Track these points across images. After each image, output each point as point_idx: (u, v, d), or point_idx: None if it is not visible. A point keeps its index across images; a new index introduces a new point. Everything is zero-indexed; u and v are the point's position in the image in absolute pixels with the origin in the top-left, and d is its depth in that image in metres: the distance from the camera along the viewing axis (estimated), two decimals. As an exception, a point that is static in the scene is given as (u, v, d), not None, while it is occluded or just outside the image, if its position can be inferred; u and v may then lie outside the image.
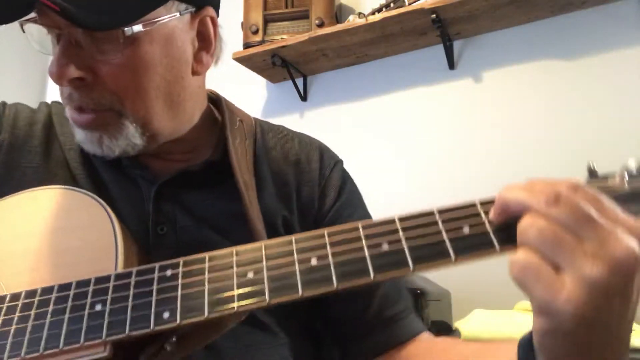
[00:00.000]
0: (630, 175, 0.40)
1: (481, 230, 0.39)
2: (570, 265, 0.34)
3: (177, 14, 0.60)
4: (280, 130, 0.80)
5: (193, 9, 0.62)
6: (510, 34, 1.76)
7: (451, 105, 1.81)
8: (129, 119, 0.59)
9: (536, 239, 0.35)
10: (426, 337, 0.69)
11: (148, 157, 0.68)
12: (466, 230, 0.40)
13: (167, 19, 0.58)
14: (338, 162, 0.79)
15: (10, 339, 0.44)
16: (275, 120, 0.87)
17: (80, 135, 0.61)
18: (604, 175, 0.41)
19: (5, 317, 0.46)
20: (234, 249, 0.44)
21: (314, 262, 0.41)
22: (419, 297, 1.21)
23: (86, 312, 0.44)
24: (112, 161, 0.66)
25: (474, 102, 1.77)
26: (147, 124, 0.61)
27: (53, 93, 2.64)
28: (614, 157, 0.47)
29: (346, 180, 0.78)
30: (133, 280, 0.44)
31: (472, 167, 1.71)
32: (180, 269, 0.44)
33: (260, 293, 0.41)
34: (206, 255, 0.45)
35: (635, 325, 0.45)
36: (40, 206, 0.55)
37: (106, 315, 0.43)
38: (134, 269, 0.45)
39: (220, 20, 0.69)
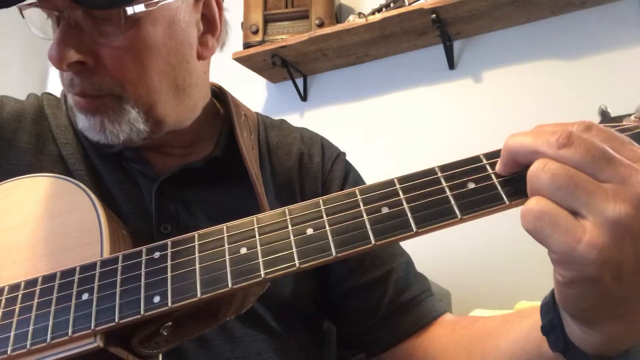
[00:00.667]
0: None
1: (487, 184, 0.37)
2: (590, 208, 0.31)
3: None
4: (282, 126, 0.78)
5: None
6: (510, 34, 1.76)
7: (451, 105, 1.80)
8: (130, 103, 0.57)
9: (549, 184, 0.32)
10: (448, 317, 0.67)
11: (149, 151, 0.66)
12: (471, 185, 0.37)
13: (171, 0, 0.56)
14: (340, 154, 0.78)
15: None
16: (275, 121, 0.87)
17: (82, 121, 0.59)
18: (618, 117, 0.39)
19: None
20: (224, 226, 0.42)
21: (309, 232, 0.39)
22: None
23: (73, 302, 0.42)
24: (112, 156, 0.64)
25: (474, 102, 1.77)
26: (151, 109, 0.59)
27: (54, 87, 2.65)
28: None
29: (349, 171, 0.77)
30: (120, 265, 0.42)
31: (472, 167, 1.70)
32: (169, 250, 0.42)
33: (255, 269, 0.39)
34: (195, 234, 0.43)
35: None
36: (18, 197, 0.52)
37: (94, 304, 0.41)
38: (120, 254, 0.43)
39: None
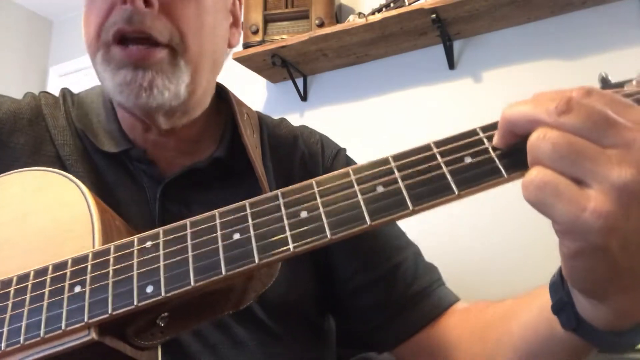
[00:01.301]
0: None
1: (485, 158, 0.35)
2: (594, 175, 0.29)
3: None
4: (283, 125, 0.78)
5: None
6: (510, 34, 1.76)
7: (451, 105, 1.80)
8: (184, 58, 0.58)
9: (550, 153, 0.31)
10: (461, 306, 0.65)
11: (155, 151, 0.65)
12: (468, 160, 0.36)
13: None
14: (340, 150, 0.77)
15: None
16: (275, 121, 0.86)
17: (120, 78, 0.56)
18: (619, 82, 0.37)
19: None
20: (216, 212, 0.41)
21: (303, 214, 0.38)
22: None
23: (65, 295, 0.41)
24: (115, 156, 0.63)
25: (474, 102, 1.77)
26: (196, 72, 0.60)
27: (54, 88, 2.65)
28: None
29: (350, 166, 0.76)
30: (112, 256, 0.42)
31: (471, 167, 1.70)
32: (161, 239, 0.41)
33: (249, 255, 0.38)
34: (187, 221, 0.42)
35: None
36: (7, 193, 0.51)
37: (86, 296, 0.40)
38: (112, 245, 0.42)
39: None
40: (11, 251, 0.47)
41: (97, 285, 0.41)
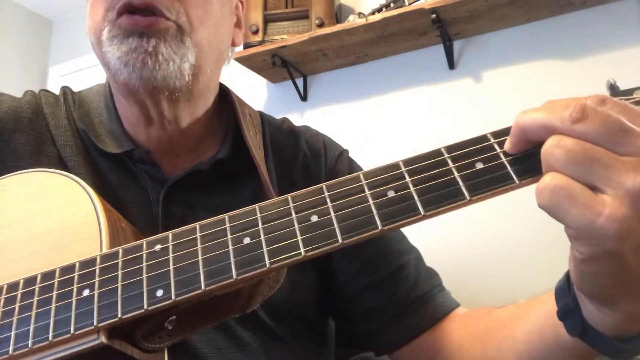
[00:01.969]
0: None
1: (496, 163, 0.35)
2: (609, 182, 0.30)
3: None
4: (285, 125, 0.77)
5: None
6: (510, 34, 1.76)
7: (451, 105, 1.80)
8: (190, 37, 0.57)
9: (565, 160, 0.31)
10: (461, 311, 0.65)
11: (158, 153, 0.64)
12: (479, 165, 0.36)
13: None
14: (342, 152, 0.76)
15: None
16: (275, 121, 0.86)
17: (126, 47, 0.55)
18: (628, 90, 0.38)
19: None
20: (226, 216, 0.41)
21: (314, 219, 0.38)
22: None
23: (74, 299, 0.41)
24: (116, 157, 0.62)
25: (474, 102, 1.77)
26: (200, 55, 0.59)
27: (54, 88, 2.65)
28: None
29: (353, 168, 0.75)
30: (120, 260, 0.41)
31: (472, 167, 1.70)
32: (170, 243, 0.41)
33: (260, 259, 0.38)
34: (197, 225, 0.41)
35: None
36: (12, 194, 0.51)
37: (95, 300, 0.40)
38: (120, 248, 0.42)
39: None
40: (17, 253, 0.47)
41: (106, 288, 0.41)
